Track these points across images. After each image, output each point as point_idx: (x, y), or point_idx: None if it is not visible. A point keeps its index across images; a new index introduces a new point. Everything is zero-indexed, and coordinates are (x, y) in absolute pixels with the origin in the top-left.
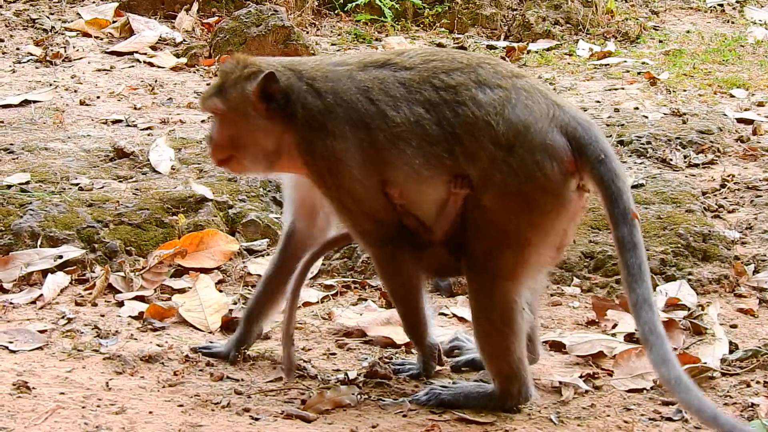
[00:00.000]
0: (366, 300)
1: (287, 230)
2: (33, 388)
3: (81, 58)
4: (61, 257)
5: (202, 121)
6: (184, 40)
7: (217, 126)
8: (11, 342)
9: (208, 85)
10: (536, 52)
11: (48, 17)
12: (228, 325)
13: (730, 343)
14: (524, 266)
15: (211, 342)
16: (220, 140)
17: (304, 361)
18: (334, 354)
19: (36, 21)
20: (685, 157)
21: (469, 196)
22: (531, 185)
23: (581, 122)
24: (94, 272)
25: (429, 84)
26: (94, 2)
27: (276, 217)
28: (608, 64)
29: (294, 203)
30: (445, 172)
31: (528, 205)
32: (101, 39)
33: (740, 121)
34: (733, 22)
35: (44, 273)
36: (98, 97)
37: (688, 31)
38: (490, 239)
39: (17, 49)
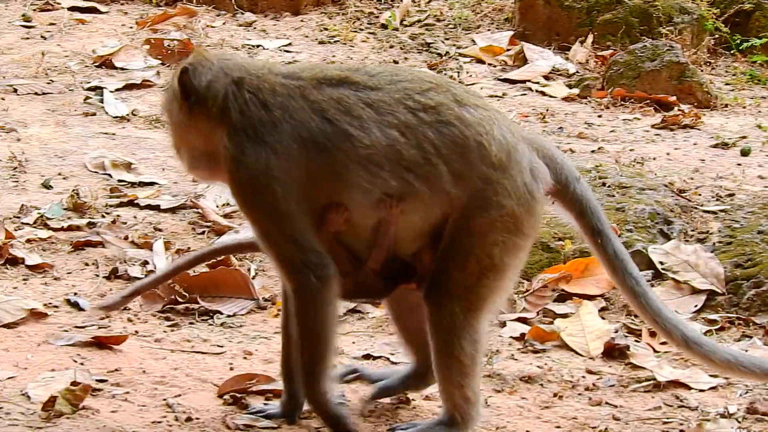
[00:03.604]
0: (751, 337)
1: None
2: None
3: (474, 84)
4: None
5: (592, 152)
6: (577, 72)
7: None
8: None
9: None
10: None
11: (443, 42)
12: (609, 351)
13: None
14: (499, 294)
15: (265, 404)
16: (173, 144)
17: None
18: (714, 388)
19: (431, 45)
20: None
21: (452, 222)
22: (522, 207)
23: (550, 146)
24: None
25: (402, 106)
26: (489, 30)
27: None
28: None
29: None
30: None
31: (516, 227)
32: (494, 66)
33: None
34: None
35: None
36: None
37: None
38: (474, 266)
39: None
